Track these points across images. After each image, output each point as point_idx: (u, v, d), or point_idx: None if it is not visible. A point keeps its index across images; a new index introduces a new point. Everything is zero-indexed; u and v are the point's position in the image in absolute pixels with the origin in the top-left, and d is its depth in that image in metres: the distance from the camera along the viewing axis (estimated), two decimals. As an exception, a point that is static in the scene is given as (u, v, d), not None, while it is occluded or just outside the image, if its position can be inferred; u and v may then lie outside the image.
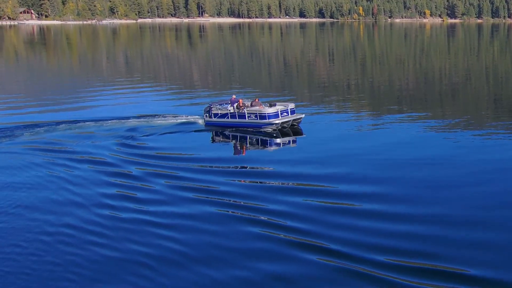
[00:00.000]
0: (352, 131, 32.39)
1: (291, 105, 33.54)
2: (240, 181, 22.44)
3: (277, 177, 22.76)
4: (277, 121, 32.11)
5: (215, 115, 33.14)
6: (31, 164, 24.61)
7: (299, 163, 24.85)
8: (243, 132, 32.09)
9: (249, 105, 33.07)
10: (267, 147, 30.14)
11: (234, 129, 32.66)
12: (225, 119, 33.00)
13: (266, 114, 32.22)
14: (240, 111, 32.63)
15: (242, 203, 19.47)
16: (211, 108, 33.43)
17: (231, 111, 32.80)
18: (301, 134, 31.96)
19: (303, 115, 33.76)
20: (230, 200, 19.76)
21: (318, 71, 70.32)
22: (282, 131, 32.07)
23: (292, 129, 32.48)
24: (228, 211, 18.76)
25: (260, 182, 22.22)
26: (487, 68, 74.23)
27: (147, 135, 30.50)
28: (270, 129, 32.13)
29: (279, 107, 32.76)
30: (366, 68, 74.20)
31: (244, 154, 28.61)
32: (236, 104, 32.99)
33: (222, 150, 29.52)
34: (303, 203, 19.32)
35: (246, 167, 24.85)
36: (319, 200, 19.66)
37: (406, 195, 20.27)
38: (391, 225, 17.33)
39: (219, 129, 32.75)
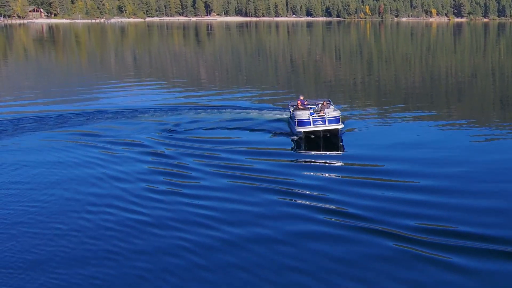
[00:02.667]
0: (363, 131, 32.07)
1: (333, 113, 28.92)
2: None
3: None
4: (300, 130, 28.49)
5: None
6: (86, 150, 26.19)
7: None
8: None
9: (298, 108, 29.87)
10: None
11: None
12: (290, 120, 31.24)
13: (297, 120, 28.63)
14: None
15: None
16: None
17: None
18: (334, 148, 27.75)
19: (340, 126, 28.89)
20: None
21: (324, 70, 71.15)
22: (316, 141, 28.65)
23: (327, 141, 28.62)
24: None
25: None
26: (493, 67, 74.85)
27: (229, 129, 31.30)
28: (295, 138, 28.99)
29: (325, 112, 28.83)
30: (372, 66, 74.95)
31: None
32: (295, 105, 30.50)
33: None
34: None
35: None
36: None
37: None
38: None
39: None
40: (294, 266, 14.63)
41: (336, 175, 22.90)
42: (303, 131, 28.55)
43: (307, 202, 19.14)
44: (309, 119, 28.44)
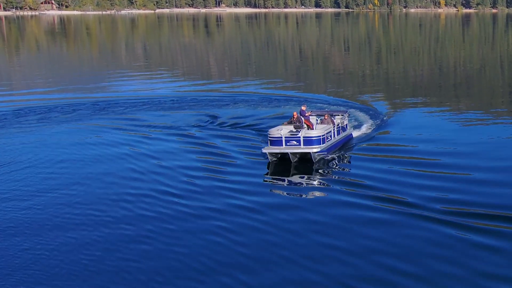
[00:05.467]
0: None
1: (312, 132, 23.38)
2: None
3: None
4: (265, 151, 22.88)
5: None
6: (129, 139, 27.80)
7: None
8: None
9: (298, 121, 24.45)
10: None
11: None
12: None
13: (269, 139, 23.29)
14: None
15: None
16: None
17: None
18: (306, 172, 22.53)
19: (316, 149, 22.74)
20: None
21: (333, 61, 72.09)
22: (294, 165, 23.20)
23: (297, 166, 23.05)
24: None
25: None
26: (502, 58, 75.46)
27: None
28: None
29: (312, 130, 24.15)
30: (381, 58, 75.85)
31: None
32: (290, 118, 25.13)
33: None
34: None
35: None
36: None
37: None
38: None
39: None
40: (332, 244, 15.65)
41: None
42: (268, 153, 22.75)
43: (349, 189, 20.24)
44: (281, 137, 22.71)
